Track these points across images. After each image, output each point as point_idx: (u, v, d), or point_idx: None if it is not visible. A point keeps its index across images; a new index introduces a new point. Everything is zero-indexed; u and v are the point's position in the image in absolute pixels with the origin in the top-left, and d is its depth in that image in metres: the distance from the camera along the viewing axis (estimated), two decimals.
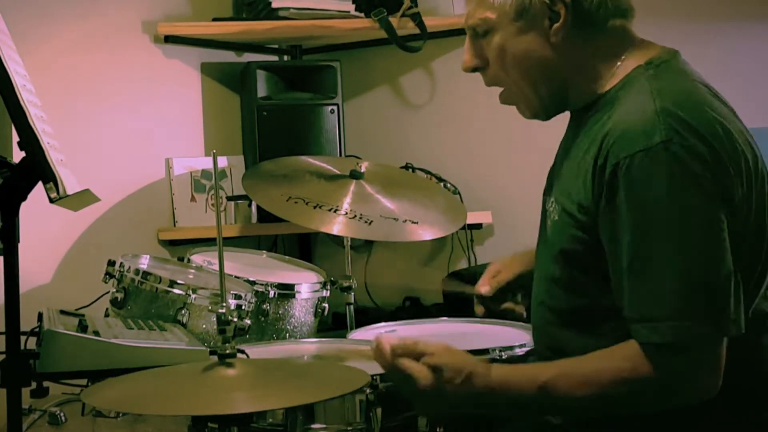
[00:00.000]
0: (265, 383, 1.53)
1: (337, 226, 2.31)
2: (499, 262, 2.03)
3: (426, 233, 2.42)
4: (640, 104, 1.52)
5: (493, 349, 2.09)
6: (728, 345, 1.47)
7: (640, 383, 1.47)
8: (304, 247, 3.33)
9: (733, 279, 1.45)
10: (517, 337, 2.19)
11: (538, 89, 1.65)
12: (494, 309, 2.01)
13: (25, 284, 1.60)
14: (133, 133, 3.07)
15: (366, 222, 2.32)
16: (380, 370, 1.64)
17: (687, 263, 1.44)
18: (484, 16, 1.64)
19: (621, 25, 1.63)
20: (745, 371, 1.54)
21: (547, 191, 1.76)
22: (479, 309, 2.02)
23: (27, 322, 1.71)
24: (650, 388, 1.47)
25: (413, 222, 2.39)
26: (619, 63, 1.62)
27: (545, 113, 1.70)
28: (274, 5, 3.04)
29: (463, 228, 3.00)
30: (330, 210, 2.34)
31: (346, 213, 2.34)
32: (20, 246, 1.58)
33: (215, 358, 1.56)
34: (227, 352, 1.54)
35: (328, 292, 2.55)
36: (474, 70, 1.71)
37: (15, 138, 1.58)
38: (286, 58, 3.36)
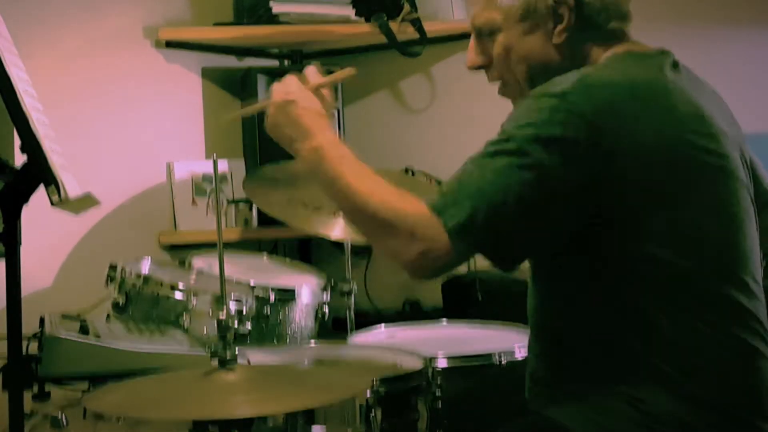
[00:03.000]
0: (265, 388, 1.54)
1: (336, 230, 2.32)
2: None
3: None
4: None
5: (494, 353, 2.10)
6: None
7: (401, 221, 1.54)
8: (304, 251, 3.33)
9: (506, 218, 1.50)
10: (517, 340, 2.20)
11: (533, 87, 1.68)
12: None
13: (26, 288, 1.61)
14: (134, 138, 3.08)
15: None
16: (380, 375, 1.65)
17: (479, 175, 1.53)
18: (491, 17, 1.71)
19: (619, 28, 1.68)
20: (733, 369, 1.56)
21: None
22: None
23: (29, 326, 1.72)
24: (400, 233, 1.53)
25: None
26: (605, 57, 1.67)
27: None
28: (274, 10, 3.04)
29: None
30: (330, 214, 2.34)
31: None
32: (22, 249, 1.59)
33: (216, 362, 1.57)
34: (228, 357, 1.54)
35: (329, 296, 2.55)
36: (478, 67, 1.78)
37: (17, 142, 1.59)
38: (286, 62, 3.37)
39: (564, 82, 1.54)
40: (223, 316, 1.58)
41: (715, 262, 1.56)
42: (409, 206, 1.55)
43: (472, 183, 1.53)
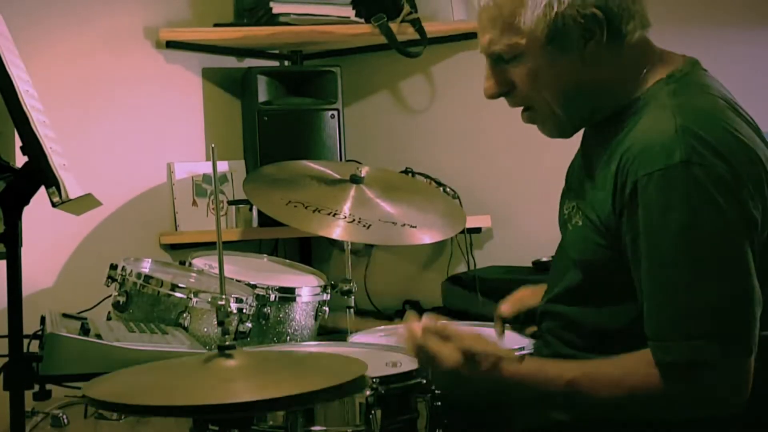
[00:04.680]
0: (265, 373, 1.54)
1: (336, 230, 2.33)
2: (530, 287, 2.03)
3: (425, 237, 2.44)
4: (660, 121, 1.51)
5: None
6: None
7: (653, 398, 1.49)
8: (305, 250, 3.34)
9: (753, 299, 1.44)
10: (515, 341, 2.20)
11: (568, 108, 1.64)
12: (514, 330, 2.03)
13: (27, 288, 1.61)
14: (134, 138, 3.09)
15: (365, 226, 2.33)
16: (379, 373, 1.65)
17: (700, 288, 1.44)
18: (513, 42, 1.60)
19: (642, 36, 1.63)
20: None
21: (567, 194, 1.78)
22: (498, 327, 2.02)
23: (30, 326, 1.72)
24: (661, 402, 1.49)
25: (412, 226, 2.40)
26: (641, 76, 1.62)
27: (571, 131, 1.70)
28: (274, 11, 3.05)
29: (463, 232, 3.01)
30: (329, 214, 2.35)
31: (346, 217, 2.35)
32: (23, 250, 1.59)
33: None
34: (227, 344, 1.54)
35: (329, 295, 2.56)
36: (498, 95, 1.68)
37: (18, 143, 1.59)
38: (286, 63, 3.38)
39: (671, 146, 1.46)
40: (221, 303, 1.58)
41: None
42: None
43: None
